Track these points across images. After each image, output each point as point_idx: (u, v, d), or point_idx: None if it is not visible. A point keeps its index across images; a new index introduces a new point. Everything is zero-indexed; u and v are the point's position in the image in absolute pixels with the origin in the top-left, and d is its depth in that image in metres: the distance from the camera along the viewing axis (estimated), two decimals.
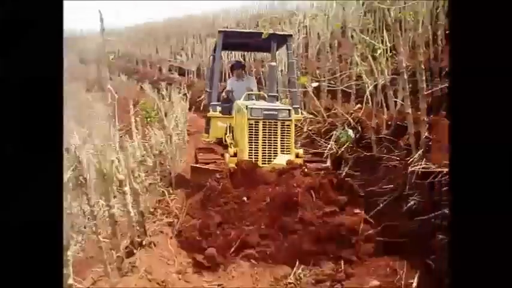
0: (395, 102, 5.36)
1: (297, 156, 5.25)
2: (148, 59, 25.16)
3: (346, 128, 5.87)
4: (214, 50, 7.01)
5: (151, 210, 4.93)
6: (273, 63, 6.09)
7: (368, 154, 5.36)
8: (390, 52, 5.48)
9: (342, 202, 4.14)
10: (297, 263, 3.78)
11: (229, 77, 10.16)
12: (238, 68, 7.61)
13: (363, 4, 7.90)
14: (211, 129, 6.68)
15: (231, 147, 5.60)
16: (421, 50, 4.67)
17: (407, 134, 4.61)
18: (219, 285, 3.63)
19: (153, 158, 5.88)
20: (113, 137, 3.64)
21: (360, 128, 5.86)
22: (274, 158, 5.12)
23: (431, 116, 4.71)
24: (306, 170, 4.57)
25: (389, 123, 5.35)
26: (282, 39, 6.58)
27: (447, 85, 5.44)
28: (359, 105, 6.29)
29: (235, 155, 5.34)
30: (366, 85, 5.67)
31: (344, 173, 5.38)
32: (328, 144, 6.09)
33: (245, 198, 4.29)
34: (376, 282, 3.36)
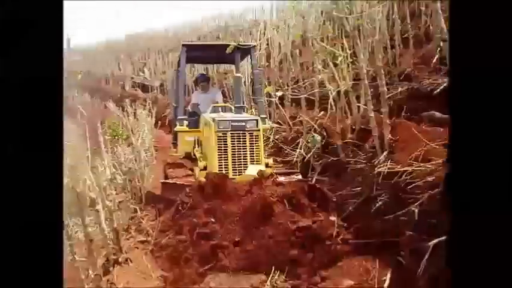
0: (358, 106, 5.46)
1: (267, 165, 5.27)
2: (110, 77, 24.94)
3: (313, 133, 5.95)
4: (178, 64, 6.96)
5: (125, 227, 4.91)
6: (239, 74, 6.13)
7: (335, 159, 5.42)
8: (350, 58, 5.61)
9: (315, 209, 4.19)
10: (273, 269, 3.81)
11: (193, 91, 10.16)
12: (202, 80, 7.59)
13: (322, 13, 8.08)
14: (179, 144, 6.61)
15: (200, 160, 5.56)
16: (379, 55, 4.81)
17: (371, 137, 4.72)
18: None
19: (122, 175, 5.88)
20: (84, 156, 3.62)
21: (325, 134, 5.93)
22: (244, 170, 5.10)
23: (394, 118, 4.87)
24: (277, 179, 4.60)
25: (353, 127, 5.45)
26: (246, 50, 6.57)
27: (407, 87, 5.66)
28: (323, 112, 6.41)
29: (205, 168, 5.32)
30: (329, 92, 5.74)
31: (314, 180, 5.43)
32: (295, 151, 6.15)
33: (212, 220, 4.24)
34: (350, 282, 3.46)
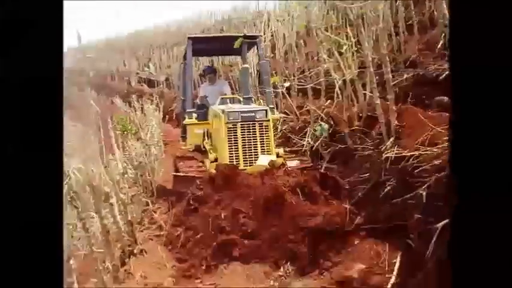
0: (364, 94, 5.47)
1: (278, 155, 5.28)
2: (116, 73, 25.00)
3: (320, 122, 5.98)
4: (185, 57, 6.90)
5: (138, 220, 5.00)
6: (246, 65, 6.12)
7: (343, 146, 5.46)
8: (355, 47, 5.64)
9: (328, 197, 4.24)
10: (286, 257, 3.87)
11: (199, 85, 10.16)
12: (209, 72, 7.54)
13: (325, 3, 8.09)
14: (188, 137, 6.60)
15: (210, 152, 5.57)
16: (384, 42, 4.84)
17: (378, 123, 4.77)
18: (211, 284, 3.72)
19: (133, 170, 5.96)
20: (98, 150, 3.71)
21: (332, 122, 5.95)
22: (255, 160, 5.11)
23: (400, 104, 4.91)
24: (288, 168, 4.63)
25: (360, 115, 5.48)
26: (252, 41, 6.49)
27: (412, 74, 5.69)
28: (330, 101, 6.44)
29: (215, 160, 5.34)
30: (335, 80, 5.77)
31: (323, 168, 5.47)
32: (303, 141, 6.21)
33: (224, 211, 4.27)
34: (361, 266, 3.54)
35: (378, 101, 4.72)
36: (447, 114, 4.16)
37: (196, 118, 6.35)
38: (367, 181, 4.48)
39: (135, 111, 9.62)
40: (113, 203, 3.83)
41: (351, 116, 5.61)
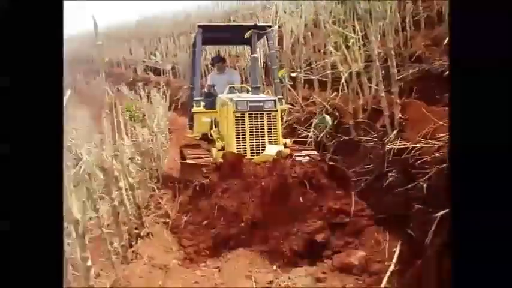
0: (370, 87, 5.56)
1: (285, 146, 5.27)
2: (122, 61, 25.01)
3: (323, 114, 6.05)
4: (194, 45, 6.92)
5: (145, 205, 5.08)
6: (255, 55, 6.15)
7: (347, 138, 5.55)
8: (362, 41, 5.71)
9: (335, 188, 4.23)
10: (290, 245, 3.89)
11: (205, 74, 10.19)
12: (218, 61, 7.54)
13: None
14: (195, 125, 6.59)
15: (217, 141, 5.57)
16: (390, 37, 4.92)
17: (382, 116, 4.85)
18: (215, 267, 3.82)
19: (140, 156, 6.05)
20: (108, 135, 3.79)
21: (337, 114, 6.03)
22: (262, 150, 5.12)
23: (404, 98, 5.00)
24: (296, 159, 4.65)
25: (365, 107, 5.57)
26: (262, 31, 6.40)
27: (417, 69, 5.76)
28: (335, 93, 6.52)
29: (223, 148, 5.34)
30: (341, 73, 5.83)
31: (327, 158, 5.51)
32: (309, 132, 6.27)
33: (230, 199, 4.30)
34: (362, 253, 3.63)
35: (383, 95, 4.80)
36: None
37: (204, 106, 6.36)
38: (371, 172, 4.58)
39: (141, 98, 9.70)
40: (121, 186, 3.92)
41: (355, 109, 5.69)
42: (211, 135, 6.03)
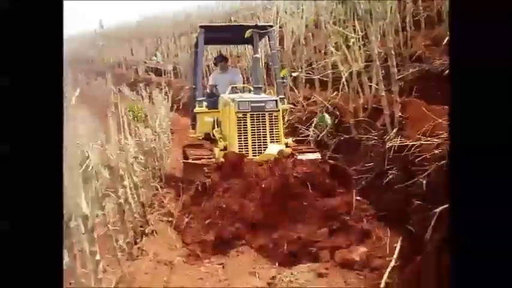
0: (370, 87, 5.62)
1: (287, 145, 5.31)
2: (123, 62, 25.06)
3: (323, 112, 6.09)
4: (196, 45, 6.92)
5: (149, 203, 5.14)
6: (257, 55, 6.16)
7: (348, 137, 5.61)
8: (362, 40, 5.77)
9: (336, 187, 4.27)
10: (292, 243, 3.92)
11: (207, 74, 10.21)
12: (221, 61, 7.56)
13: None
14: (198, 125, 6.62)
15: (220, 141, 5.62)
16: (390, 37, 4.98)
17: (382, 115, 4.92)
18: (219, 264, 3.87)
19: (143, 155, 6.10)
20: (115, 134, 3.85)
21: (338, 113, 6.10)
22: (264, 150, 5.15)
23: (404, 97, 5.06)
24: (297, 158, 4.68)
25: (365, 106, 5.63)
26: (264, 32, 6.47)
27: (417, 68, 5.83)
28: (336, 92, 6.57)
29: (225, 148, 5.38)
30: (342, 73, 5.89)
31: (327, 157, 5.59)
32: (310, 131, 6.33)
33: (232, 199, 4.32)
34: (363, 249, 3.70)
35: (383, 94, 4.87)
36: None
37: (206, 106, 6.39)
38: (372, 170, 4.64)
39: (143, 99, 9.74)
40: (125, 185, 3.97)
41: (356, 108, 5.75)
42: (213, 135, 6.07)
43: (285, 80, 6.74)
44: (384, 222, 3.95)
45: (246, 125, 5.24)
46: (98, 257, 2.55)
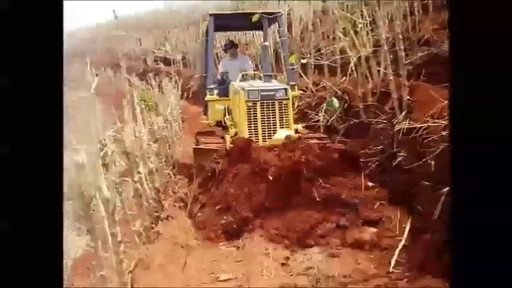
0: (379, 71, 5.67)
1: (296, 131, 5.35)
2: (132, 52, 25.12)
3: (332, 97, 6.16)
4: (206, 33, 6.96)
5: (163, 189, 5.24)
6: (266, 43, 6.16)
7: (357, 121, 5.68)
8: (370, 26, 5.81)
9: (346, 170, 4.31)
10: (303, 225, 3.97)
11: (219, 61, 10.24)
12: (231, 47, 7.51)
13: None
14: (209, 112, 6.63)
15: (231, 128, 5.68)
16: (398, 21, 5.02)
17: (391, 98, 4.97)
18: (234, 246, 3.97)
19: (156, 143, 6.21)
20: (130, 122, 3.95)
21: (347, 98, 6.15)
22: (273, 136, 5.16)
23: (412, 81, 5.11)
24: (306, 143, 4.66)
25: (374, 91, 5.67)
26: (273, 18, 6.34)
27: (426, 52, 5.86)
28: (345, 77, 6.62)
29: (236, 135, 5.42)
30: (350, 58, 5.94)
31: (336, 141, 5.67)
32: (320, 116, 6.40)
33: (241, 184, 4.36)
34: (373, 229, 3.79)
35: (392, 78, 4.93)
36: None
37: (217, 94, 6.42)
38: (381, 152, 4.71)
39: (152, 88, 9.84)
40: (140, 171, 4.07)
41: (365, 92, 5.80)
42: (224, 122, 6.13)
43: (294, 67, 6.77)
44: (393, 203, 4.02)
45: (256, 113, 5.28)
46: (119, 238, 2.65)
